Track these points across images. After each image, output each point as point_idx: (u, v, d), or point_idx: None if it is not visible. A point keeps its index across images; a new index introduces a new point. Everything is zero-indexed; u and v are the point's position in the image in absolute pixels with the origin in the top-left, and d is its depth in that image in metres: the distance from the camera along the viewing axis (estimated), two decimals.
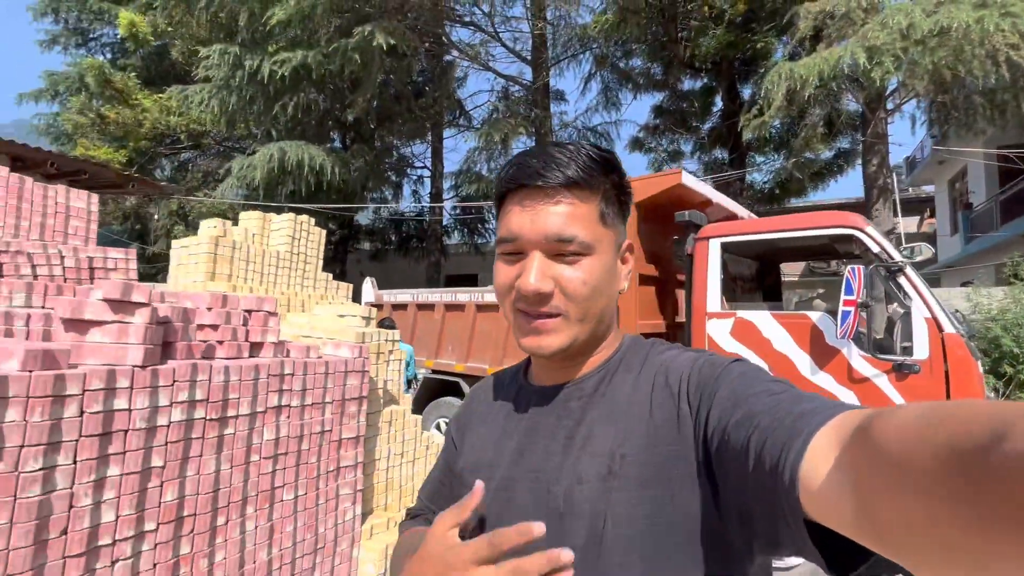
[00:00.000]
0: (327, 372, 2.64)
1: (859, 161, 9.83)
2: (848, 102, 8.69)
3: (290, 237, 4.68)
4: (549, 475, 0.60)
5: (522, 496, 0.61)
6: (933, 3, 6.71)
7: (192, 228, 12.45)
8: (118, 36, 13.95)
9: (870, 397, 3.16)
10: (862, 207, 10.03)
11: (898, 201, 6.28)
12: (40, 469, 1.56)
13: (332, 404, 2.67)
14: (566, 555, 0.47)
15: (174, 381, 1.93)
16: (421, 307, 6.18)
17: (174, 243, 4.21)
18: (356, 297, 6.20)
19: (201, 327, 2.24)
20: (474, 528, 0.62)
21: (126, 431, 1.78)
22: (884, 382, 3.12)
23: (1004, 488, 0.24)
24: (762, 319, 3.65)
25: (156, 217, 11.37)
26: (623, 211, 0.65)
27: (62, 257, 3.52)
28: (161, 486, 1.89)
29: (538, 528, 0.48)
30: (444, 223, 14.06)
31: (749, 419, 0.46)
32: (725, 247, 3.95)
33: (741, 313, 3.75)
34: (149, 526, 1.85)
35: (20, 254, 3.32)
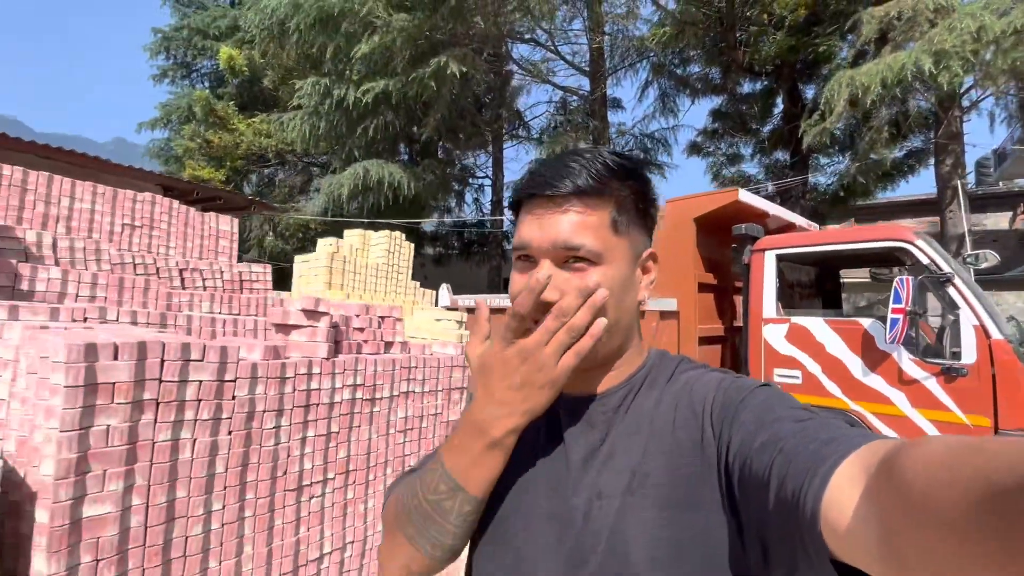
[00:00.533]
0: (438, 366, 3.28)
1: (932, 160, 9.54)
2: (918, 101, 8.52)
3: (386, 251, 5.44)
4: (568, 486, 0.59)
5: (538, 502, 0.60)
6: (1008, 3, 6.60)
7: (279, 237, 13.86)
8: (215, 67, 15.72)
9: (920, 397, 3.43)
10: (935, 205, 9.73)
11: (962, 203, 6.21)
12: (273, 427, 2.26)
13: (442, 392, 3.31)
14: (600, 294, 0.54)
15: (344, 369, 2.61)
16: (494, 311, 6.82)
17: (297, 258, 5.06)
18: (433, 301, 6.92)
19: (353, 329, 2.93)
20: (484, 523, 0.63)
21: (317, 404, 2.47)
22: (933, 384, 3.38)
23: None
24: (815, 325, 3.97)
25: (270, 234, 12.77)
26: (643, 219, 0.63)
27: (221, 272, 4.41)
28: (336, 447, 2.57)
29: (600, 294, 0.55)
30: (504, 229, 14.74)
31: (773, 443, 0.45)
32: (781, 258, 4.28)
33: (796, 319, 4.08)
34: (330, 475, 2.53)
35: (196, 270, 4.21)
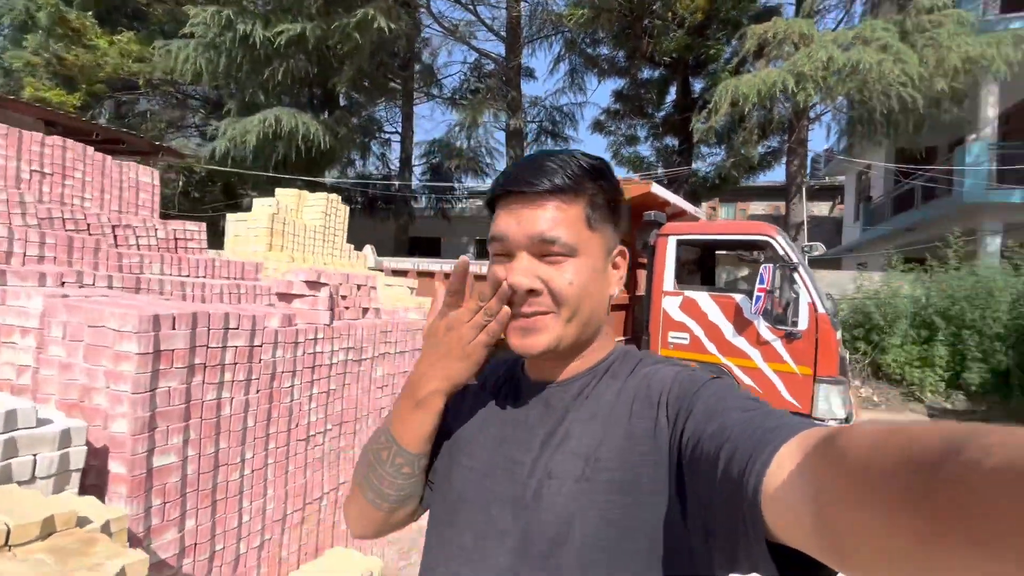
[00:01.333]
0: (407, 329, 3.67)
1: (784, 159, 11.49)
2: (780, 110, 10.19)
3: (323, 213, 5.46)
4: (525, 467, 0.62)
5: (498, 483, 0.63)
6: (849, 38, 8.20)
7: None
8: None
9: (769, 354, 4.61)
10: (781, 193, 11.88)
11: (804, 197, 7.85)
12: (288, 386, 2.54)
13: (409, 352, 3.72)
14: (504, 286, 0.60)
15: (340, 334, 2.91)
16: (421, 274, 7.13)
17: (229, 217, 4.91)
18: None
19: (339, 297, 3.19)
20: (447, 505, 0.67)
21: (320, 365, 2.77)
22: (779, 345, 4.57)
23: (955, 498, 0.24)
24: (702, 297, 5.01)
25: (179, 185, 11.19)
26: (613, 216, 0.65)
27: (155, 229, 4.22)
28: (333, 401, 2.90)
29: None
30: (413, 187, 14.65)
31: (721, 432, 0.48)
32: (679, 242, 5.24)
33: (688, 292, 5.09)
34: (329, 426, 2.87)
35: (128, 227, 4.00)
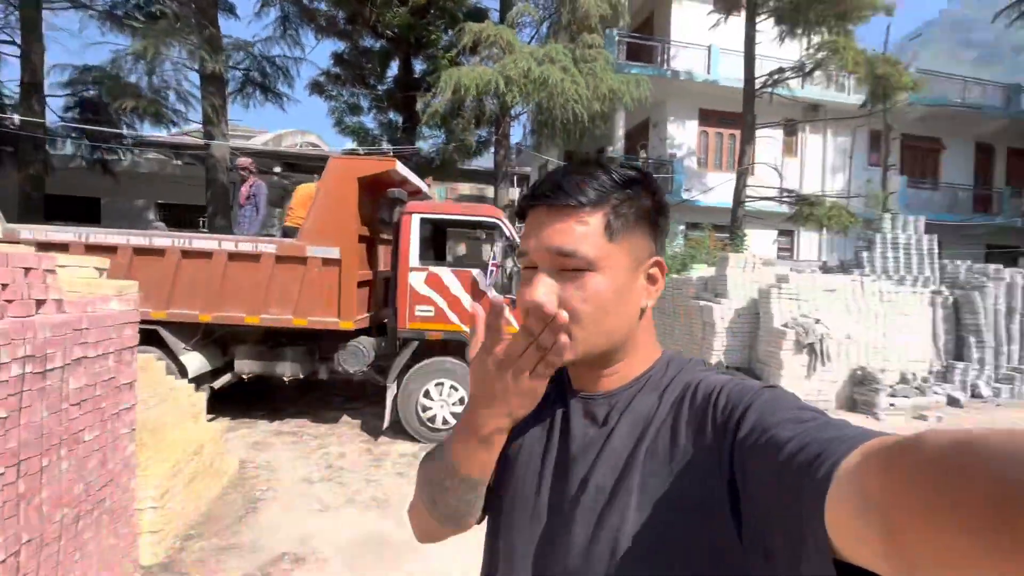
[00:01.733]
0: (111, 324, 2.85)
1: (492, 149, 13.19)
2: (492, 104, 11.61)
3: None
4: (567, 477, 0.63)
5: (543, 491, 0.65)
6: (541, 55, 9.93)
7: None
8: None
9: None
10: (490, 176, 13.71)
11: (513, 182, 9.31)
12: None
13: (114, 353, 2.90)
14: (561, 317, 0.55)
15: (11, 340, 2.06)
16: (93, 249, 5.39)
17: None
18: None
19: None
20: (497, 515, 0.70)
21: None
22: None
23: None
24: (444, 272, 5.49)
25: None
26: (647, 226, 0.64)
27: None
28: (5, 434, 2.06)
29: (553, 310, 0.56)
30: (51, 125, 10.59)
31: (775, 445, 0.46)
32: (422, 220, 5.55)
33: (432, 268, 5.48)
34: (1, 470, 2.03)
35: None
